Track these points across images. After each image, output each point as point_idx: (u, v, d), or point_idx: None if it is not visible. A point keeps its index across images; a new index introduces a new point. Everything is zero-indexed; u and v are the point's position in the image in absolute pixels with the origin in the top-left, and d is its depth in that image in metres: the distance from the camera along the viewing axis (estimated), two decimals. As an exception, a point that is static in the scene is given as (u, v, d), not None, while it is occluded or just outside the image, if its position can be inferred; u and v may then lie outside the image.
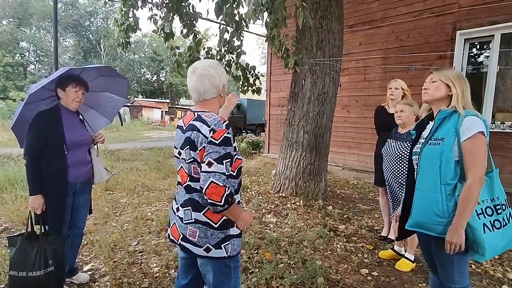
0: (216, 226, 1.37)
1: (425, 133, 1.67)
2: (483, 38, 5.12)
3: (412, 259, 2.73)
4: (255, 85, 4.57)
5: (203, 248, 1.36)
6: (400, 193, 2.63)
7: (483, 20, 4.98)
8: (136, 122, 26.40)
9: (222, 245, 1.37)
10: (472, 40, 5.22)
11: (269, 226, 3.64)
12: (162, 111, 32.84)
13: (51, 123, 2.10)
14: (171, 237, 1.51)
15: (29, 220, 2.09)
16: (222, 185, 1.24)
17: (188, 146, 1.36)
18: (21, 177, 5.21)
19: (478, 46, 5.39)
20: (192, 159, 1.36)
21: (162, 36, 3.96)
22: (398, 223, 1.84)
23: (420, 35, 5.67)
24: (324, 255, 2.95)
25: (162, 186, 5.57)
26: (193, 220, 1.39)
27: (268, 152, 8.65)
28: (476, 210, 1.43)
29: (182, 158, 1.43)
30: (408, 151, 2.53)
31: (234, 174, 1.41)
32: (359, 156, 6.66)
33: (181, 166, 1.46)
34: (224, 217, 1.38)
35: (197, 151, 1.33)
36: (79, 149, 2.24)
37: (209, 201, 1.25)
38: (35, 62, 37.13)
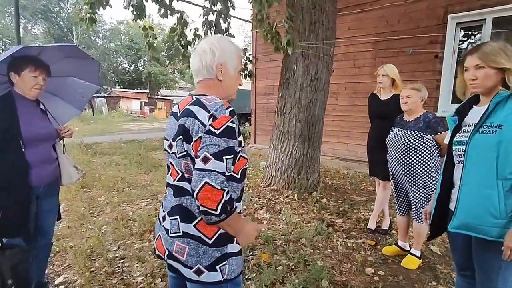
0: (210, 242, 1.06)
1: (469, 120, 1.43)
2: (475, 22, 4.98)
3: (419, 255, 2.55)
4: (247, 69, 4.24)
5: (193, 269, 1.06)
6: (409, 186, 2.43)
7: (475, 4, 4.84)
8: (114, 114, 25.35)
9: (217, 266, 1.07)
10: (463, 24, 5.08)
11: (263, 223, 3.38)
12: (141, 102, 31.67)
13: (3, 114, 1.72)
14: (157, 252, 1.21)
15: (-20, 233, 1.72)
16: (219, 188, 0.95)
17: (181, 137, 1.06)
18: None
19: (470, 31, 5.26)
20: (185, 152, 1.06)
21: (133, 13, 3.52)
22: (429, 221, 1.62)
23: (411, 20, 5.48)
24: (325, 254, 2.73)
25: (144, 182, 5.19)
26: (181, 233, 1.08)
27: (255, 143, 8.38)
28: None
29: (173, 152, 1.13)
30: (417, 140, 2.33)
31: (238, 176, 1.11)
32: (349, 145, 6.50)
33: (170, 162, 1.16)
34: (221, 231, 1.08)
35: (192, 143, 1.03)
36: (40, 145, 1.87)
37: (201, 208, 0.96)
38: (0, 51, 34.76)
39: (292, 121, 4.20)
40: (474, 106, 1.46)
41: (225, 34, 4.07)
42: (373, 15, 5.89)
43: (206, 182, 0.95)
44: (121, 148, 8.92)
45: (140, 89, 38.43)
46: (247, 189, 4.47)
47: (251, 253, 2.66)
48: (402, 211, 2.63)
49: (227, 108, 1.04)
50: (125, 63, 41.82)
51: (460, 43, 5.26)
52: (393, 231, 3.18)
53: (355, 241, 2.98)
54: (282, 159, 4.32)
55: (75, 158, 6.74)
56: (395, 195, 2.64)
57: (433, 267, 2.53)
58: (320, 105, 4.24)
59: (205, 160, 0.97)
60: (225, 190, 0.97)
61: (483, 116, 1.32)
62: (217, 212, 0.96)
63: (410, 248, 2.65)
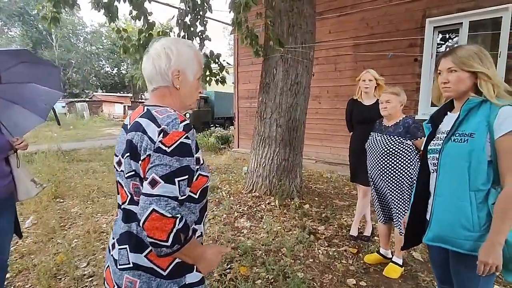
0: (165, 273, 0.94)
1: (443, 127, 1.37)
2: (452, 26, 5.05)
3: (401, 263, 2.50)
4: (219, 75, 4.12)
5: None
6: (389, 193, 2.37)
7: (451, 8, 4.91)
8: (96, 118, 24.72)
9: None
10: (441, 27, 5.14)
11: (243, 232, 3.27)
12: (124, 106, 30.96)
13: None
14: (106, 285, 1.06)
15: None
16: (169, 215, 0.82)
17: (129, 154, 0.93)
18: None
19: (447, 34, 5.33)
20: (133, 172, 0.93)
21: (105, 15, 3.36)
22: (405, 230, 1.55)
23: (390, 23, 5.52)
24: (306, 264, 2.64)
25: (121, 190, 4.98)
26: (131, 265, 0.95)
27: (238, 147, 8.27)
28: None
29: (121, 170, 0.99)
30: (396, 145, 2.28)
31: (196, 196, 0.99)
32: (332, 149, 6.49)
33: (119, 182, 1.03)
34: (178, 260, 0.95)
35: (140, 161, 0.90)
36: (-10, 159, 1.71)
37: (149, 239, 0.83)
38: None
39: (273, 126, 4.11)
40: (448, 112, 1.40)
41: (201, 36, 3.95)
42: (353, 18, 5.91)
43: (153, 210, 0.82)
44: (101, 155, 8.63)
45: (123, 93, 37.65)
46: (228, 196, 4.35)
47: (228, 266, 2.53)
48: (382, 218, 2.57)
49: (181, 122, 0.91)
50: (108, 67, 40.90)
51: (438, 46, 5.33)
52: (376, 237, 3.13)
53: (337, 249, 2.90)
54: (264, 164, 4.23)
55: (50, 166, 6.43)
56: (375, 202, 2.58)
57: (415, 275, 2.48)
58: (301, 109, 4.18)
59: (153, 183, 0.84)
60: (177, 217, 0.84)
61: (455, 123, 1.27)
62: (168, 243, 0.83)
63: (392, 256, 2.59)
